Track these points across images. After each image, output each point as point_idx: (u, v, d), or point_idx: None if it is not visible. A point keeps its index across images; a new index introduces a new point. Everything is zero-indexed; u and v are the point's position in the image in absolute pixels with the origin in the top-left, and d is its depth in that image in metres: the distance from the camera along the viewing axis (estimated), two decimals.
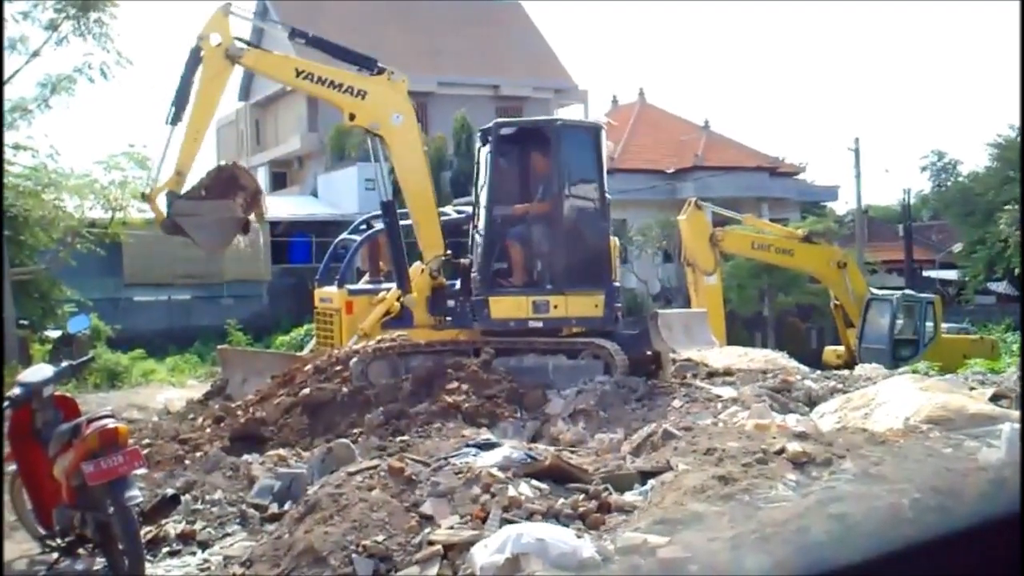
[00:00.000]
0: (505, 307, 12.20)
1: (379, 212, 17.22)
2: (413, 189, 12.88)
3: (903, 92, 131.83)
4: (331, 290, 16.62)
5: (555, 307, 12.14)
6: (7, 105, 21.84)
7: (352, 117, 12.63)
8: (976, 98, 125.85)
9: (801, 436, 7.09)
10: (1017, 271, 34.08)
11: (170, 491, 7.43)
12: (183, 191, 12.53)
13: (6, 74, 21.50)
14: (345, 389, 11.24)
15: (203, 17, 12.43)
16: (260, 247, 28.13)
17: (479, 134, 13.03)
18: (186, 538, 7.51)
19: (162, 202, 12.47)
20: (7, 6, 21.11)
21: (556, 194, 12.28)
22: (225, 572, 6.61)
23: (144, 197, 12.15)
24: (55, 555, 7.38)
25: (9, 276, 21.34)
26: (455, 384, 10.87)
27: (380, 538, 5.88)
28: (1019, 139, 38.25)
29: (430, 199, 13.07)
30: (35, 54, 21.59)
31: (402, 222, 13.01)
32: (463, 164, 34.91)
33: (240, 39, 12.57)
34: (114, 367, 24.61)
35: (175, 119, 12.21)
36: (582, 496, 6.47)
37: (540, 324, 12.20)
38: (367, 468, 7.01)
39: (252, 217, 12.98)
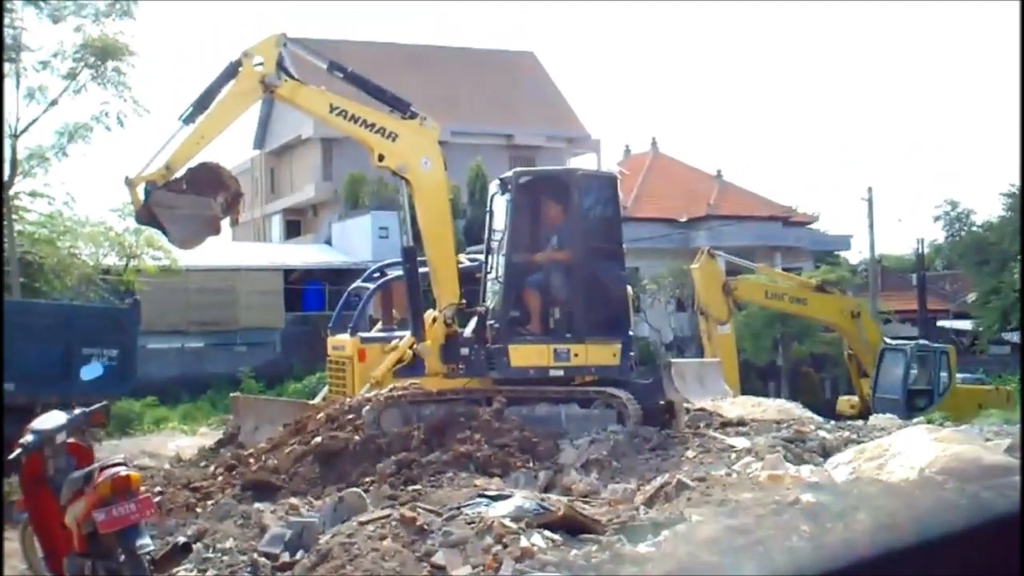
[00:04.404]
0: (525, 355, 12.16)
1: (392, 260, 17.39)
2: (435, 236, 12.83)
3: (916, 142, 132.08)
4: (344, 338, 16.65)
5: (575, 355, 12.13)
6: (24, 153, 22.09)
7: (381, 158, 12.59)
8: (989, 147, 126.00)
9: (815, 487, 7.05)
10: None
11: (181, 539, 7.40)
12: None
13: (23, 124, 21.80)
14: (357, 438, 11.22)
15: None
16: None
17: (497, 182, 13.07)
18: None
19: (145, 194, 11.93)
20: (20, 6, 21.39)
21: (575, 243, 12.33)
22: None
23: (127, 182, 11.89)
24: None
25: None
26: (467, 433, 10.83)
27: None
28: (1021, 165, 38.17)
29: (450, 247, 13.06)
30: (53, 103, 21.86)
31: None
32: (477, 213, 34.97)
33: (283, 68, 12.54)
34: (126, 414, 24.61)
35: (189, 119, 11.98)
36: (595, 547, 6.42)
37: (560, 372, 12.18)
38: (379, 517, 6.99)
39: (228, 219, 12.75)
